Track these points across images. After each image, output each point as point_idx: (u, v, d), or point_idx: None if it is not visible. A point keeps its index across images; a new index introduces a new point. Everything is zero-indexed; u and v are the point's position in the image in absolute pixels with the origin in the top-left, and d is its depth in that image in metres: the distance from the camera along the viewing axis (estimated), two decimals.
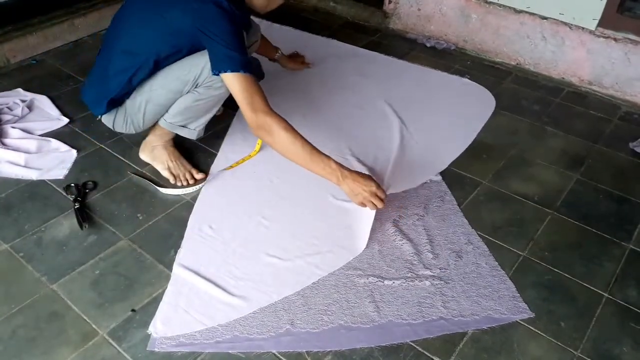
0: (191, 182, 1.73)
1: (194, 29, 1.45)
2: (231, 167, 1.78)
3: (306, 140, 1.44)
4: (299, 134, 1.44)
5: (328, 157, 1.45)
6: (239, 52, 1.43)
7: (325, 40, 2.63)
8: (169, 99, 1.60)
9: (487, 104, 2.18)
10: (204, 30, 1.43)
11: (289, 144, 1.43)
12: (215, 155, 1.85)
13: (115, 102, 1.66)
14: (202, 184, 1.72)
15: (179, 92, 1.58)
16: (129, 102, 1.65)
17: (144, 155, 1.79)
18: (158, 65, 1.57)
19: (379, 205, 1.46)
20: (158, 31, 1.52)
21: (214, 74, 1.45)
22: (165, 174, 1.73)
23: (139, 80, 1.59)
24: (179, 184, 1.71)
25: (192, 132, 1.70)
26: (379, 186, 1.47)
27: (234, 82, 1.43)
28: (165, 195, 1.68)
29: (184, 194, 1.69)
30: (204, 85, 1.56)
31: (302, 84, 2.25)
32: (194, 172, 1.74)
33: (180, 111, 1.63)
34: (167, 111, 1.66)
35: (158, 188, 1.69)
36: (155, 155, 1.75)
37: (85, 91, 1.73)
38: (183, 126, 1.68)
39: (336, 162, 1.45)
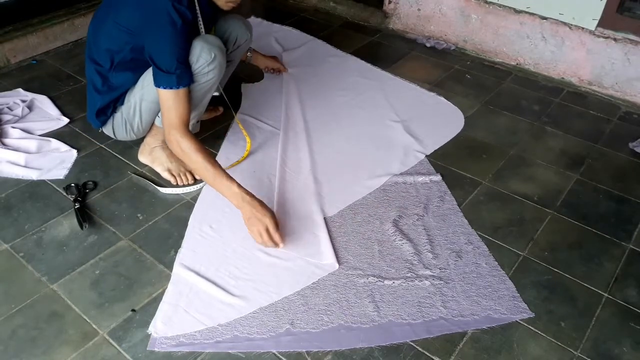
0: (191, 182, 1.73)
1: (140, 30, 1.48)
2: (231, 166, 1.79)
3: (212, 162, 1.49)
4: (206, 155, 1.49)
5: (232, 180, 1.49)
6: (174, 64, 1.46)
7: (308, 41, 2.62)
8: None
9: (455, 124, 2.07)
10: (146, 34, 1.47)
11: (192, 163, 1.51)
12: (215, 155, 1.85)
13: (106, 112, 1.67)
14: (203, 183, 1.72)
15: None
16: (123, 108, 1.66)
17: (143, 157, 1.79)
18: (124, 68, 1.58)
19: (267, 243, 1.45)
20: (111, 36, 1.53)
21: (154, 85, 1.50)
22: (165, 175, 1.73)
23: (115, 85, 1.61)
24: (179, 183, 1.72)
25: None
26: (275, 225, 1.45)
27: (162, 97, 1.49)
28: (165, 195, 1.68)
29: (184, 194, 1.69)
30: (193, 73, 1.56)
31: (278, 85, 2.25)
32: None
33: None
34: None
35: (158, 188, 1.69)
36: (155, 156, 1.75)
37: (87, 110, 1.75)
38: None
39: (239, 186, 1.48)
